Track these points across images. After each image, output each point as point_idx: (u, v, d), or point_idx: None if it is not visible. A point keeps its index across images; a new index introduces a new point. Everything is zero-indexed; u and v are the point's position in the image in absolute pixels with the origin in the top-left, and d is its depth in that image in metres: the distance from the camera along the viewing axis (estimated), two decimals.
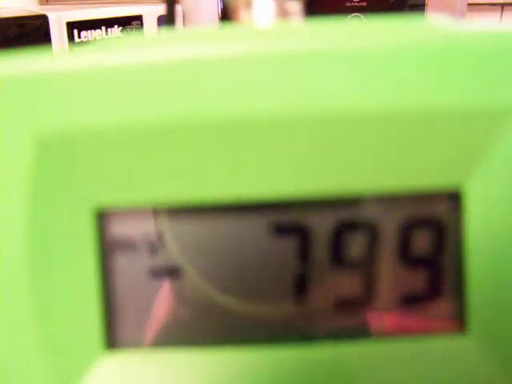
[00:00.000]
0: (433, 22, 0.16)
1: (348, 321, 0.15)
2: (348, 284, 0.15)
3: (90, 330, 0.15)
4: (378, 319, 0.15)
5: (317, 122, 0.14)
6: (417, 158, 0.14)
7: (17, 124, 0.14)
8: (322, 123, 0.14)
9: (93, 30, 0.63)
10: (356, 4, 0.65)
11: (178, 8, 0.70)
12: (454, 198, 0.15)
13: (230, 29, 0.17)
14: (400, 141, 0.14)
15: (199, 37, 0.16)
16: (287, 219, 0.15)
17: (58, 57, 0.15)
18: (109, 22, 0.64)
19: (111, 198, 0.15)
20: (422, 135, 0.14)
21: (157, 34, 0.17)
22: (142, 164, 0.15)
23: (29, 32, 0.58)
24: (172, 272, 0.15)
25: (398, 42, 0.14)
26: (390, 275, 0.15)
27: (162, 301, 0.16)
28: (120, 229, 0.15)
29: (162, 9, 0.68)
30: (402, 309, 0.15)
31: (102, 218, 0.15)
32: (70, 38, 0.61)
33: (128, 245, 0.15)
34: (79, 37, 0.62)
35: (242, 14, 0.20)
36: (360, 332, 0.15)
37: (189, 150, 0.14)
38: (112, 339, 0.15)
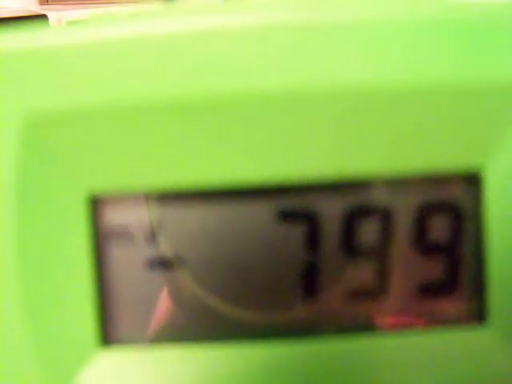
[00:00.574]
0: None
1: (361, 312, 0.15)
2: (360, 273, 0.14)
3: (85, 325, 0.14)
4: (394, 310, 0.15)
5: (326, 101, 0.13)
6: (433, 140, 0.14)
7: (3, 102, 0.14)
8: (331, 102, 0.13)
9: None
10: None
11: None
12: (472, 181, 0.14)
13: (231, 2, 0.16)
14: (415, 121, 0.14)
15: (195, 10, 0.15)
16: (295, 205, 0.14)
17: (47, 32, 0.14)
18: None
19: (104, 183, 0.14)
20: (437, 114, 0.14)
21: (151, 8, 0.16)
22: (137, 147, 0.14)
23: None
24: (170, 263, 0.14)
25: (415, 14, 0.14)
26: (405, 264, 0.14)
27: (160, 294, 0.15)
28: (115, 216, 0.14)
29: None
30: (419, 299, 0.14)
31: (95, 204, 0.14)
32: None
33: (123, 234, 0.14)
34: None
35: None
36: (374, 324, 0.15)
37: (188, 131, 0.14)
38: (107, 335, 0.15)
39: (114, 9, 0.64)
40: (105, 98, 0.14)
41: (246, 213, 0.14)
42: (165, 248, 0.14)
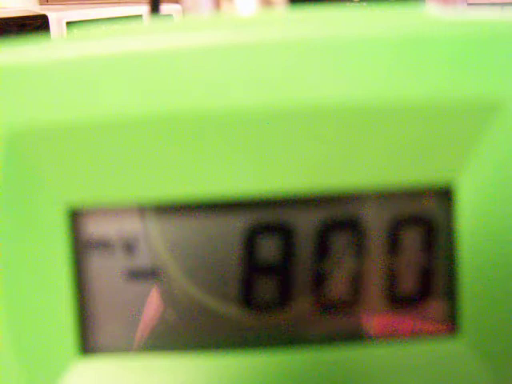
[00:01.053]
0: (427, 11, 0.15)
1: (336, 323, 0.15)
2: (335, 285, 0.15)
3: (64, 334, 0.15)
4: (367, 321, 0.15)
5: (303, 117, 0.14)
6: (405, 154, 0.14)
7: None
8: (307, 118, 0.14)
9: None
10: (356, 4, 0.64)
11: (178, 8, 0.69)
12: (444, 195, 0.14)
13: (213, 17, 0.16)
14: (389, 137, 0.14)
15: (184, 26, 0.15)
16: (270, 218, 0.15)
17: (29, 47, 0.14)
18: (109, 22, 0.64)
19: (84, 196, 0.14)
20: (410, 130, 0.14)
21: (134, 24, 0.16)
22: (116, 160, 0.14)
23: (29, 32, 0.58)
24: (149, 273, 0.15)
25: (385, 30, 0.14)
26: (379, 275, 0.15)
27: (139, 304, 0.15)
28: (94, 228, 0.15)
29: (161, 9, 0.68)
30: (392, 310, 0.15)
31: (75, 217, 0.14)
32: None
33: (103, 245, 0.15)
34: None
35: (225, 3, 0.20)
36: (349, 335, 0.15)
37: (164, 145, 0.14)
38: (87, 344, 0.15)
39: (114, 9, 0.65)
40: (84, 113, 0.14)
41: (222, 225, 0.15)
42: (143, 259, 0.15)
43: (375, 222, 0.15)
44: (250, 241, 0.15)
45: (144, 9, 0.67)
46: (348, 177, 0.14)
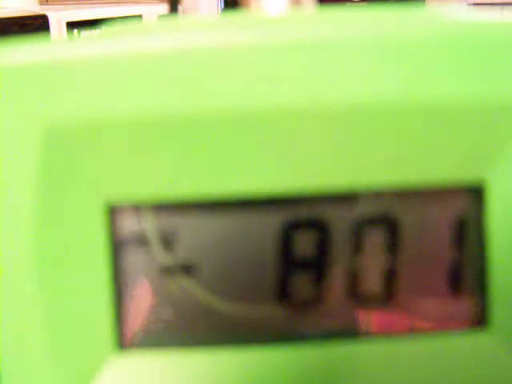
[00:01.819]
0: (445, 11, 0.16)
1: (369, 318, 0.15)
2: (367, 278, 0.15)
3: (101, 329, 0.15)
4: (400, 316, 0.15)
5: (335, 115, 0.14)
6: (437, 153, 0.14)
7: (23, 114, 0.14)
8: (341, 116, 0.14)
9: (93, 30, 0.63)
10: (356, 3, 0.65)
11: (179, 8, 0.69)
12: (475, 193, 0.15)
13: (241, 16, 0.16)
14: (420, 134, 0.14)
15: (210, 25, 0.15)
16: (305, 215, 0.15)
17: (65, 44, 0.14)
18: (109, 22, 0.64)
19: (122, 192, 0.14)
20: (443, 129, 0.14)
21: (163, 22, 0.16)
22: (153, 157, 0.14)
23: (29, 32, 0.58)
24: (184, 269, 0.15)
25: (418, 30, 0.14)
26: (411, 271, 0.15)
27: (173, 299, 0.15)
28: (131, 224, 0.15)
29: (162, 9, 0.68)
30: (424, 304, 0.15)
31: (113, 212, 0.15)
32: (70, 38, 0.61)
33: (140, 241, 0.15)
34: (79, 37, 0.61)
35: (254, 2, 0.20)
36: (376, 329, 0.15)
37: (202, 143, 0.14)
38: (123, 339, 0.15)
39: (114, 9, 0.64)
40: (122, 110, 0.14)
41: (257, 222, 0.15)
42: (179, 255, 0.15)
43: (408, 219, 0.15)
44: (285, 237, 0.15)
45: (144, 9, 0.66)
46: (382, 175, 0.14)
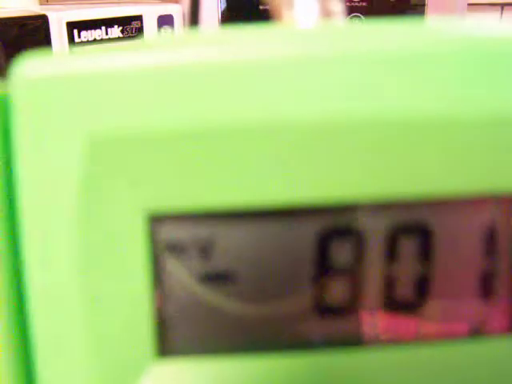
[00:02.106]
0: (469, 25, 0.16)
1: (404, 325, 0.15)
2: (404, 288, 0.15)
3: (142, 337, 0.15)
4: (435, 321, 0.15)
5: (372, 126, 0.14)
6: (470, 162, 0.14)
7: (67, 124, 0.14)
8: (379, 127, 0.14)
9: (93, 30, 0.63)
10: (356, 4, 0.65)
11: (179, 8, 0.69)
12: (507, 201, 0.15)
13: (276, 30, 0.16)
14: (456, 146, 0.14)
15: (250, 37, 0.15)
16: (340, 224, 0.15)
17: (107, 55, 0.15)
18: (109, 22, 0.64)
19: (163, 201, 0.15)
20: (476, 139, 0.14)
21: (197, 33, 0.17)
22: (193, 168, 0.14)
23: (29, 32, 0.58)
24: (223, 278, 0.15)
25: (454, 44, 0.14)
26: (443, 278, 0.15)
27: (212, 307, 0.15)
28: (171, 233, 0.15)
29: (162, 9, 0.68)
30: (454, 312, 0.15)
31: (154, 222, 0.15)
32: (70, 38, 0.61)
33: (179, 250, 0.15)
34: (79, 37, 0.62)
35: (286, 14, 0.20)
36: (408, 336, 0.15)
37: (240, 154, 0.14)
38: (164, 346, 0.15)
39: (114, 9, 0.64)
40: (164, 121, 0.14)
41: (292, 231, 0.15)
42: (218, 263, 0.15)
43: (441, 227, 0.15)
44: (321, 245, 0.15)
45: (144, 9, 0.67)
46: (417, 185, 0.15)
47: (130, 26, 0.66)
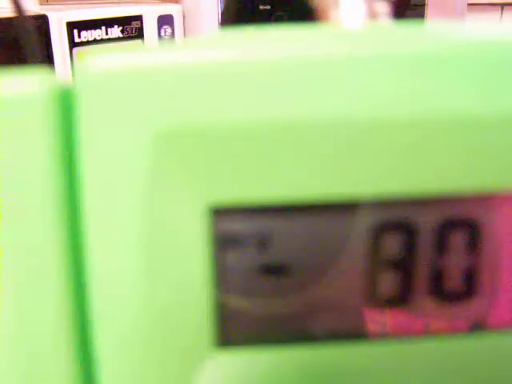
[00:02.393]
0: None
1: (454, 316, 0.16)
2: (452, 277, 0.16)
3: (202, 327, 0.15)
4: (486, 311, 0.16)
5: (424, 126, 0.15)
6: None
7: (133, 119, 0.14)
8: (423, 126, 0.15)
9: (93, 30, 0.63)
10: None
11: (179, 8, 0.70)
12: None
13: (323, 29, 0.17)
14: (496, 144, 0.15)
15: (298, 36, 0.16)
16: (393, 218, 0.15)
17: (173, 50, 0.15)
18: (109, 22, 0.64)
19: (224, 195, 0.15)
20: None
21: (267, 31, 0.17)
22: (253, 163, 0.15)
23: (29, 32, 0.58)
24: (280, 270, 0.16)
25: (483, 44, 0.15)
26: (492, 271, 0.16)
27: (270, 297, 0.16)
28: (231, 226, 0.15)
29: (162, 9, 0.68)
30: (502, 303, 0.16)
31: (215, 215, 0.15)
32: (70, 38, 0.61)
33: (238, 242, 0.15)
34: (79, 37, 0.62)
35: (332, 14, 0.20)
36: (461, 326, 0.16)
37: (295, 150, 0.15)
38: (223, 337, 0.16)
39: (114, 9, 0.64)
40: (222, 117, 0.14)
41: (346, 224, 0.16)
42: (275, 255, 0.16)
43: (487, 221, 0.16)
44: (374, 239, 0.16)
45: (144, 9, 0.67)
46: (464, 180, 0.15)
47: (130, 26, 0.66)
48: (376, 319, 0.16)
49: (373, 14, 0.20)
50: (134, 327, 0.15)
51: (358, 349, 0.16)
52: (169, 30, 0.68)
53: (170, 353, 0.15)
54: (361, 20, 0.20)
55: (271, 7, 0.65)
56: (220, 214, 0.15)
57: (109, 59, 0.14)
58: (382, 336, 0.16)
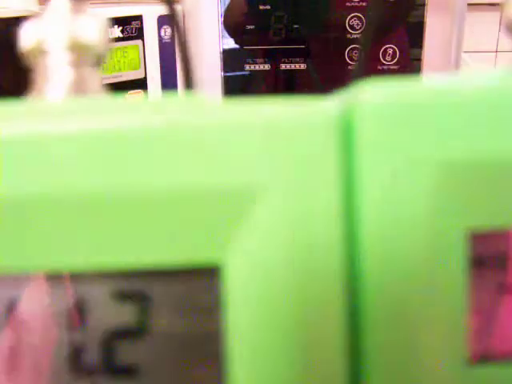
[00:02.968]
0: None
1: None
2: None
3: (455, 343, 0.16)
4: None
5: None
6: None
7: (415, 150, 0.15)
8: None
9: None
10: (356, 4, 0.65)
11: (179, 8, 0.69)
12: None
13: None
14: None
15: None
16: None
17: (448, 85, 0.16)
18: (109, 22, 0.64)
19: (481, 219, 0.16)
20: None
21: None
22: None
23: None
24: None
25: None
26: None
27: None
28: (484, 248, 0.16)
29: (162, 9, 0.68)
30: None
31: (472, 238, 0.16)
32: None
33: (483, 263, 0.16)
34: None
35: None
36: None
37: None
38: (471, 356, 0.16)
39: (114, 9, 0.64)
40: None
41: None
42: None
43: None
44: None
45: (144, 9, 0.67)
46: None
47: (130, 26, 0.66)
48: None
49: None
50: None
51: None
52: (169, 30, 0.68)
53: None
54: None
55: (271, 7, 0.65)
56: (477, 237, 0.16)
57: (387, 89, 0.16)
58: None
